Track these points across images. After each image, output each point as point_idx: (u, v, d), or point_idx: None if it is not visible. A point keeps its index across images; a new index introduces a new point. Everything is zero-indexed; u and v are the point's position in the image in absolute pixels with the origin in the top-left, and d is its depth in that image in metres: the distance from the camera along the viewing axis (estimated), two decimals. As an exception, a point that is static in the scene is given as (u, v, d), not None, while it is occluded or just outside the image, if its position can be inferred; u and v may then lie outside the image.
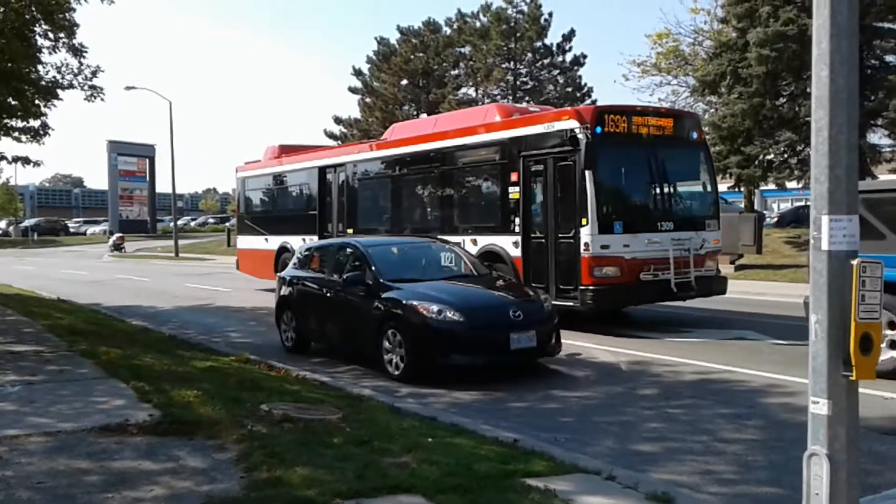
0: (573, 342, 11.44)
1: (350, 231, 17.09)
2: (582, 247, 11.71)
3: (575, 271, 11.82)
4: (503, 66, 43.18)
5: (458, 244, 13.17)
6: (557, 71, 43.52)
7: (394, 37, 46.32)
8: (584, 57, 43.32)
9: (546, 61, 43.66)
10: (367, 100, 46.91)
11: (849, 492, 3.43)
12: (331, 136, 46.97)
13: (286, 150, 21.18)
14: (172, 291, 21.52)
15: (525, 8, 42.61)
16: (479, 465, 5.29)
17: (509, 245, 13.10)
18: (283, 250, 19.03)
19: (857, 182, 3.52)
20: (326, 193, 18.39)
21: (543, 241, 12.51)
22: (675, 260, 12.17)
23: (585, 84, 43.52)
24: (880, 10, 24.06)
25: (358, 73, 47.32)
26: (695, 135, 13.27)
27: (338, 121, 47.51)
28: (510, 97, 42.13)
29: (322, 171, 18.52)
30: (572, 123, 11.93)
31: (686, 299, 12.59)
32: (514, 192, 13.04)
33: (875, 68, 25.74)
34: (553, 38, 43.20)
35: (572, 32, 42.95)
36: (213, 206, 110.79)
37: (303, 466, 5.09)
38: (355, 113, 47.80)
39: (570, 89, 42.98)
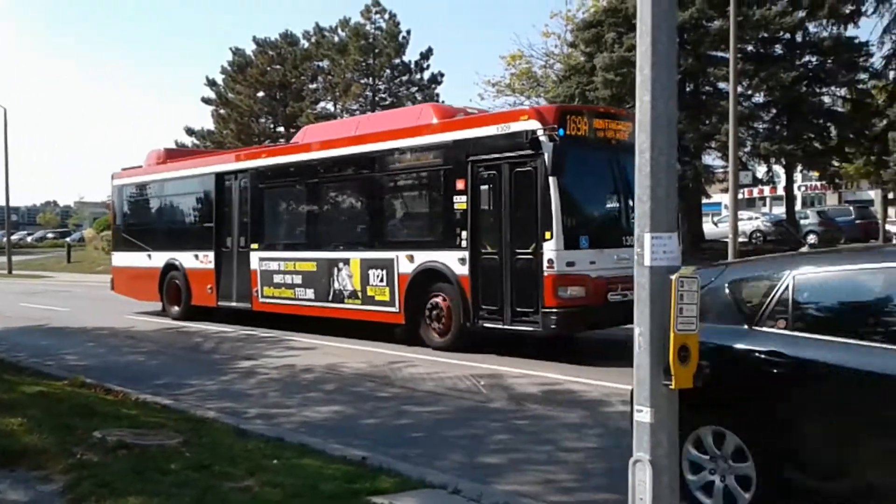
0: (420, 356, 11.55)
1: (255, 246, 15.40)
2: (545, 264, 10.45)
3: (536, 292, 10.55)
4: (362, 81, 43.16)
5: (390, 261, 12.58)
6: (416, 88, 43.94)
7: (250, 48, 45.39)
8: (442, 75, 44.02)
9: (405, 78, 44.02)
10: (222, 111, 45.62)
11: (671, 496, 3.63)
12: (182, 147, 45.25)
13: (173, 155, 19.37)
14: (2, 311, 19.99)
15: (383, 25, 42.85)
16: (325, 485, 5.20)
17: (454, 262, 11.63)
18: (171, 268, 17.35)
19: (676, 201, 3.73)
20: (225, 203, 16.34)
21: (496, 257, 11.13)
22: None
23: (443, 101, 44.19)
24: (714, 39, 25.88)
25: (212, 83, 45.97)
26: None
27: (190, 132, 45.93)
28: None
29: (220, 177, 16.44)
30: (533, 124, 10.62)
31: None
32: (461, 202, 11.62)
33: (709, 94, 27.67)
34: (411, 55, 43.65)
35: (430, 51, 43.57)
36: (52, 219, 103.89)
37: (136, 496, 4.83)
38: (209, 124, 46.40)
39: (428, 106, 43.39)
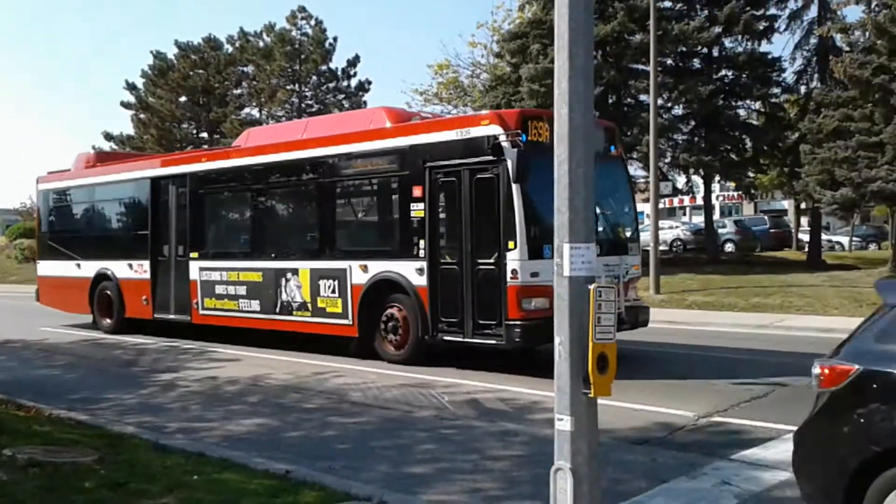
0: (346, 366, 11.47)
1: (194, 255, 14.56)
2: (508, 274, 10.07)
3: (499, 304, 10.19)
4: (288, 87, 42.71)
5: (342, 271, 11.99)
6: (343, 95, 43.68)
7: (171, 51, 44.37)
8: (370, 83, 43.83)
9: (331, 85, 43.72)
10: (142, 116, 44.41)
11: (591, 503, 3.69)
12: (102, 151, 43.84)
13: (104, 158, 18.49)
14: None
15: (309, 31, 42.50)
16: (247, 500, 5.12)
17: (411, 272, 11.14)
18: (102, 278, 16.48)
19: (594, 213, 3.81)
20: (162, 210, 15.50)
21: (456, 267, 10.71)
22: None
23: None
24: (635, 52, 26.53)
25: (132, 87, 44.74)
26: (613, 148, 11.97)
27: (108, 137, 44.52)
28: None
29: (156, 182, 15.61)
30: (494, 129, 10.28)
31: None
32: (418, 210, 11.16)
33: (630, 106, 28.34)
34: (338, 62, 43.37)
35: (357, 58, 43.35)
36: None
37: (47, 517, 4.65)
38: (128, 129, 45.14)
39: (355, 114, 43.24)
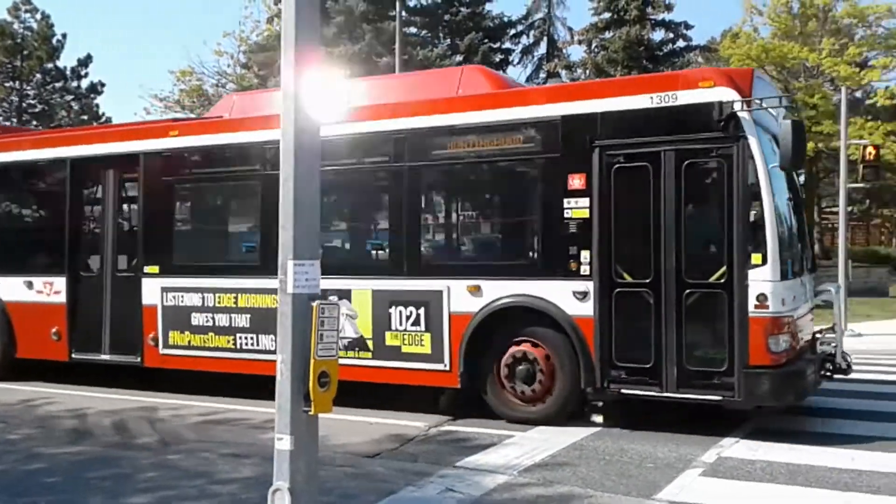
0: (60, 391, 10.54)
1: (152, 269, 10.37)
2: (751, 301, 7.27)
3: (734, 344, 7.35)
4: (6, 84, 38.65)
5: (434, 295, 8.63)
6: (72, 96, 40.42)
7: None
8: (103, 85, 41.02)
9: (58, 85, 40.29)
10: None
11: (311, 521, 3.67)
12: None
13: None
14: None
15: (34, 25, 38.90)
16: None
17: (565, 296, 8.07)
18: None
19: (318, 230, 3.83)
20: (88, 206, 11.49)
21: (648, 291, 7.73)
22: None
23: (104, 113, 41.16)
24: (383, 73, 27.25)
25: None
26: None
27: None
28: (14, 120, 37.80)
29: (80, 167, 11.15)
30: (724, 93, 7.47)
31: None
32: (579, 208, 8.09)
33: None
34: (67, 61, 40.14)
35: (89, 58, 40.38)
36: None
37: None
38: None
39: (85, 117, 40.19)
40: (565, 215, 8.14)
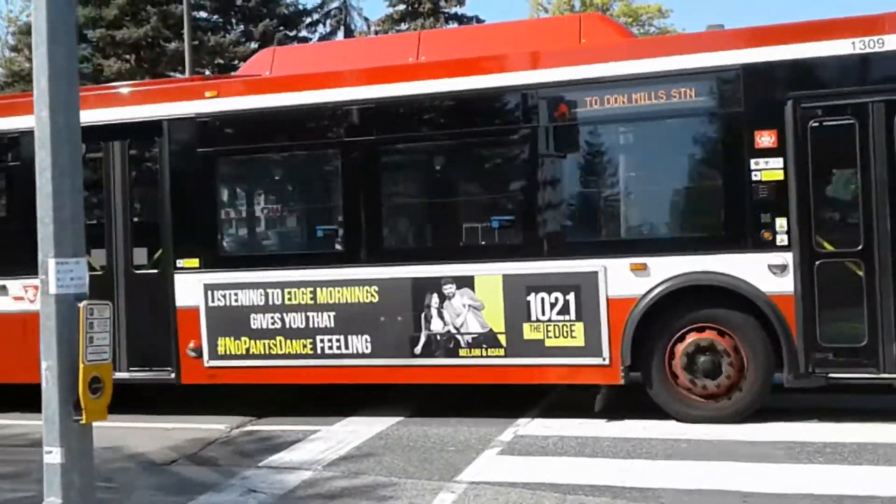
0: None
1: (188, 263, 8.42)
2: None
3: None
4: None
5: (587, 277, 7.39)
6: None
7: None
8: None
9: None
10: None
11: (88, 537, 3.41)
12: None
13: None
14: None
15: None
16: None
17: (759, 272, 7.01)
18: None
19: (83, 225, 3.55)
20: (88, 186, 7.73)
21: (858, 260, 6.89)
22: None
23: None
24: (171, 59, 25.93)
25: None
26: None
27: None
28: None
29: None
30: None
31: None
32: (771, 170, 7.04)
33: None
34: None
35: None
36: None
37: None
38: None
39: None
40: (753, 178, 7.10)
